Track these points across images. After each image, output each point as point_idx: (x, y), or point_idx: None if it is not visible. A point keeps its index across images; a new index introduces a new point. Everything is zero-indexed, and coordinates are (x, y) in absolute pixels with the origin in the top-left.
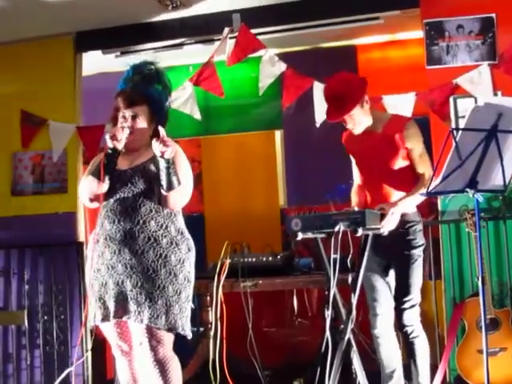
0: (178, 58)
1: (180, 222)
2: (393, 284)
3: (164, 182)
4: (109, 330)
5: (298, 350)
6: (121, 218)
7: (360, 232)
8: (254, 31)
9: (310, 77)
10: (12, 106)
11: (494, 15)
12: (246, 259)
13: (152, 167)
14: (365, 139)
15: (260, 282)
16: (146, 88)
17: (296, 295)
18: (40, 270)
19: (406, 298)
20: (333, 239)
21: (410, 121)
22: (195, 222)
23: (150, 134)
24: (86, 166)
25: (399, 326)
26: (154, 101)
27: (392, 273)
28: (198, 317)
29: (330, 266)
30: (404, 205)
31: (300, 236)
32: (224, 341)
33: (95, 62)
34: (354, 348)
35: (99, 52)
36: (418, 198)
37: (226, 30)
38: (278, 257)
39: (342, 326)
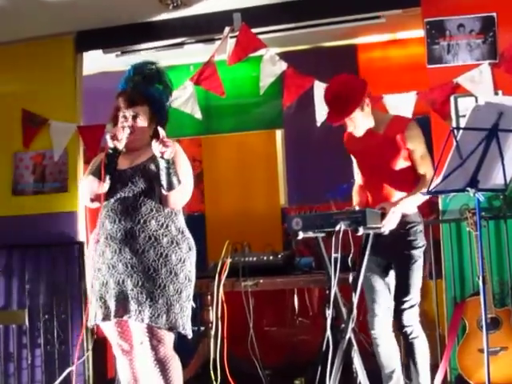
0: (178, 57)
1: (180, 221)
2: (392, 284)
3: (164, 182)
4: (109, 330)
5: (299, 349)
6: (121, 218)
7: (361, 231)
8: (254, 30)
9: (311, 76)
10: (13, 106)
11: (494, 14)
12: (246, 258)
13: (152, 166)
14: (366, 140)
15: (261, 281)
16: (147, 88)
17: (297, 294)
18: (41, 270)
19: (406, 299)
20: (333, 238)
21: (412, 122)
22: (196, 221)
23: (151, 134)
24: (86, 166)
25: (398, 326)
26: (154, 101)
27: (392, 273)
28: (199, 316)
29: (330, 265)
30: (405, 204)
31: (301, 235)
32: (225, 340)
33: (96, 62)
34: (355, 347)
35: (100, 51)
36: (419, 198)
37: (227, 29)
38: (279, 256)
39: (343, 326)
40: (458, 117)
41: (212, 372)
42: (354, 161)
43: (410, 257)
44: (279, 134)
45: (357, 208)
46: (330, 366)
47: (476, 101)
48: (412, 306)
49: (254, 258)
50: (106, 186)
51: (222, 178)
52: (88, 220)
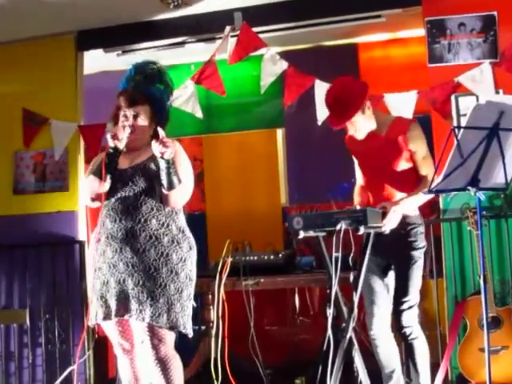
0: (179, 56)
1: (181, 220)
2: (392, 285)
3: (164, 182)
4: (110, 329)
5: (300, 348)
6: (122, 217)
7: (362, 230)
8: (255, 29)
9: (312, 75)
10: (13, 105)
11: (495, 13)
12: (247, 258)
13: (152, 166)
14: (368, 141)
15: (262, 280)
16: (148, 87)
17: (298, 294)
18: (41, 269)
19: (405, 299)
20: (334, 237)
21: (414, 123)
22: (197, 220)
23: (151, 134)
24: (87, 165)
25: (398, 327)
26: (155, 100)
27: (391, 274)
28: (200, 315)
29: (331, 264)
30: (406, 204)
31: (302, 234)
32: (226, 339)
33: (97, 61)
34: (356, 346)
35: (100, 51)
36: (420, 198)
37: (228, 28)
38: (280, 255)
39: (344, 325)
40: (458, 116)
41: (213, 371)
42: (356, 162)
43: (410, 257)
44: (280, 133)
45: (358, 207)
46: (330, 365)
47: (477, 100)
48: (411, 307)
49: (255, 257)
50: (106, 185)
51: (223, 177)
52: (89, 219)
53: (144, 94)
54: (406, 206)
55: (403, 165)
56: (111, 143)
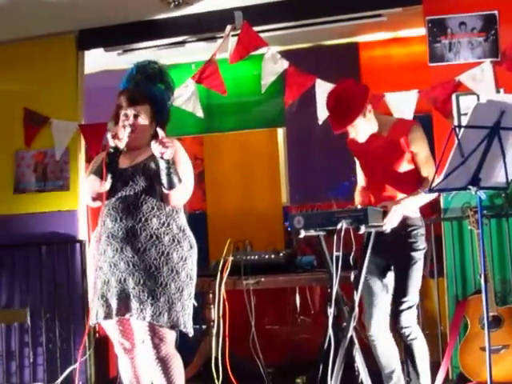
0: (180, 55)
1: (182, 219)
2: (391, 286)
3: (165, 182)
4: (111, 328)
5: (301, 347)
6: (123, 216)
7: (362, 229)
8: (256, 29)
9: (313, 74)
10: (14, 105)
11: (496, 12)
12: (248, 257)
13: (152, 165)
14: (370, 142)
15: (262, 279)
16: (149, 87)
17: (298, 293)
18: (42, 268)
19: (404, 299)
20: (335, 237)
21: (416, 124)
22: (198, 219)
23: (152, 133)
24: (88, 164)
25: (397, 327)
26: (156, 100)
27: (390, 274)
28: (201, 315)
29: (332, 263)
30: (407, 203)
31: (302, 234)
32: (226, 339)
33: (97, 60)
34: (357, 346)
35: (101, 50)
36: (421, 198)
37: (228, 27)
38: (281, 254)
39: (345, 324)
40: (459, 115)
41: (214, 370)
42: (357, 163)
43: (410, 258)
44: (281, 132)
45: (359, 207)
46: (331, 364)
47: (478, 99)
48: (410, 307)
49: (256, 257)
50: (107, 184)
51: (224, 177)
52: (89, 218)
53: (145, 94)
54: (407, 206)
55: (405, 166)
56: (112, 143)
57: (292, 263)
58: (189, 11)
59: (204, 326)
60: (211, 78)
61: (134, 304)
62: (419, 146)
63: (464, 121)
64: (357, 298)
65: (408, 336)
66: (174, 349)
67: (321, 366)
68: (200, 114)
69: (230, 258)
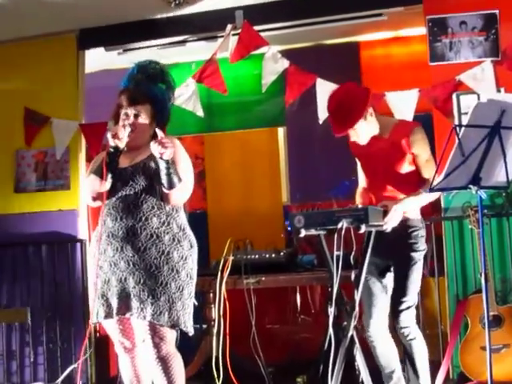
0: (180, 55)
1: (182, 218)
2: (390, 286)
3: (164, 182)
4: (111, 327)
5: (301, 346)
6: (123, 215)
7: (363, 229)
8: (256, 28)
9: (313, 73)
10: (15, 104)
11: (497, 11)
12: (249, 256)
13: (152, 164)
14: (371, 145)
15: (263, 278)
16: (150, 87)
17: (299, 292)
18: (43, 268)
19: (403, 299)
20: (336, 236)
21: (417, 126)
22: (198, 219)
23: (152, 133)
24: (88, 164)
25: (396, 327)
26: (157, 100)
27: (390, 275)
28: (201, 314)
29: (333, 262)
30: (407, 203)
31: (303, 233)
32: (227, 338)
33: (98, 60)
34: (357, 345)
35: (102, 49)
36: (422, 199)
37: (229, 26)
38: (281, 254)
39: (345, 323)
40: (460, 114)
41: (214, 370)
42: (359, 163)
43: (410, 258)
44: (281, 131)
45: (359, 206)
46: (332, 363)
47: (478, 98)
48: (409, 307)
49: (257, 256)
50: (107, 184)
51: (225, 176)
52: (90, 218)
53: (145, 93)
54: (408, 205)
55: (406, 167)
56: (112, 142)
57: (292, 262)
58: (189, 10)
59: (204, 326)
60: (212, 77)
61: (135, 303)
62: (420, 148)
63: (464, 120)
64: (357, 297)
65: (407, 336)
66: (174, 348)
67: (321, 366)
68: (200, 113)
69: (231, 258)
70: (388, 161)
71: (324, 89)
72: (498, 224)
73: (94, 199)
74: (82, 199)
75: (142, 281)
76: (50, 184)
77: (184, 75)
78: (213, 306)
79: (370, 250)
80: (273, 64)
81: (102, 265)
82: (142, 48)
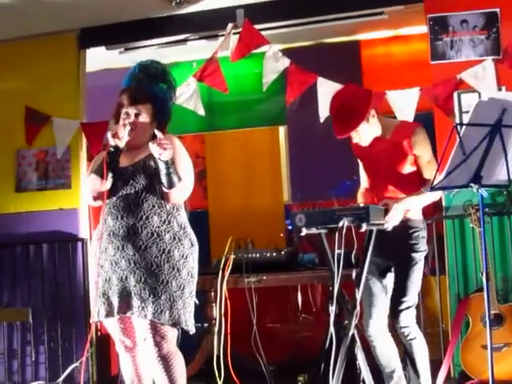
0: (181, 53)
1: (183, 217)
2: (390, 286)
3: (164, 181)
4: (112, 326)
5: (302, 345)
6: (124, 214)
7: (364, 227)
8: (257, 27)
9: (314, 72)
10: (16, 103)
11: (498, 10)
12: (250, 255)
13: (152, 163)
14: (373, 146)
15: (264, 277)
16: (151, 86)
17: (300, 291)
18: (44, 267)
19: (403, 299)
20: (337, 235)
21: (419, 127)
22: (199, 217)
23: (152, 133)
24: (89, 163)
25: (395, 327)
26: (157, 99)
27: (390, 275)
28: (203, 313)
29: (334, 261)
30: (408, 202)
31: (304, 232)
32: (228, 337)
33: (99, 59)
34: (358, 344)
35: (103, 48)
36: (423, 198)
37: (230, 25)
38: (282, 252)
39: (346, 322)
40: (461, 113)
41: (215, 369)
42: (361, 164)
43: (411, 258)
44: (282, 130)
45: (361, 205)
46: (333, 362)
47: (479, 97)
48: (409, 307)
49: (258, 255)
50: (108, 183)
51: (225, 175)
52: (91, 217)
53: (146, 93)
54: (409, 204)
55: (408, 168)
56: (112, 142)
57: (293, 261)
58: (190, 9)
59: (206, 324)
60: (213, 76)
61: (136, 302)
62: (422, 149)
63: (466, 119)
64: (358, 295)
65: (407, 336)
66: (175, 347)
67: (322, 364)
68: (201, 112)
69: (232, 256)
70: (390, 162)
71: (325, 88)
72: (499, 223)
73: (95, 199)
74: (82, 198)
75: (142, 279)
76: (50, 183)
77: (185, 74)
78: (214, 304)
79: (371, 249)
80: (274, 63)
81: (102, 264)
82: (143, 47)
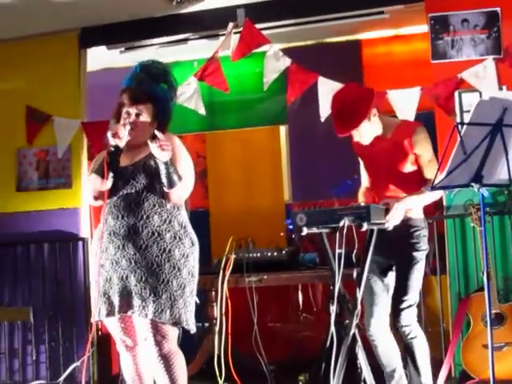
0: (182, 53)
1: (183, 216)
2: (392, 285)
3: (165, 181)
4: (113, 325)
5: (303, 345)
6: (124, 214)
7: (365, 227)
8: (258, 26)
9: (315, 72)
10: (17, 103)
11: (498, 9)
12: (250, 254)
13: (152, 162)
14: (374, 145)
15: (265, 277)
16: (152, 86)
17: (301, 290)
18: (45, 266)
19: (404, 298)
20: (338, 234)
21: (419, 126)
22: (200, 217)
23: (152, 132)
24: (90, 162)
25: (397, 326)
26: (158, 99)
27: (391, 274)
28: (203, 312)
29: (334, 260)
30: (409, 201)
31: (305, 231)
32: (229, 336)
33: (100, 58)
34: (359, 343)
35: (104, 48)
36: (423, 198)
37: (231, 25)
38: (283, 252)
39: (347, 322)
40: (462, 112)
41: (216, 368)
42: (361, 163)
43: (412, 257)
44: (283, 129)
45: (361, 204)
46: (334, 361)
47: (480, 96)
48: (410, 306)
49: (258, 254)
50: (108, 183)
51: (226, 174)
52: (92, 216)
53: (147, 93)
54: (409, 204)
55: (409, 167)
56: (112, 141)
57: (294, 261)
58: (191, 9)
59: (207, 324)
60: (213, 75)
61: (136, 301)
62: (423, 148)
63: (467, 118)
64: (359, 295)
65: (408, 334)
66: (176, 346)
67: (323, 364)
68: (202, 111)
69: (233, 256)
70: (391, 161)
71: (326, 87)
72: (500, 222)
73: (96, 198)
74: (83, 197)
75: (143, 279)
76: (51, 182)
77: (186, 73)
78: (215, 304)
79: (371, 248)
80: (274, 62)
81: (103, 263)
82: (144, 46)
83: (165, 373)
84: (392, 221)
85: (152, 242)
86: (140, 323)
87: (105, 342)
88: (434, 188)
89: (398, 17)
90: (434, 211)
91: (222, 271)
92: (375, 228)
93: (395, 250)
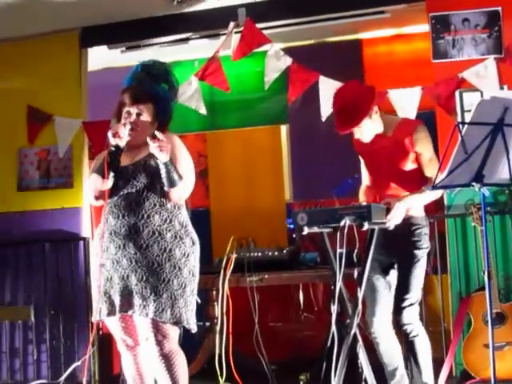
0: (183, 52)
1: (184, 215)
2: (394, 283)
3: (165, 181)
4: (114, 325)
5: (304, 344)
6: (125, 213)
7: (366, 226)
8: (259, 25)
9: (316, 71)
10: (18, 102)
11: (499, 9)
12: (251, 254)
13: (152, 162)
14: (375, 142)
15: (266, 276)
16: (152, 86)
17: (302, 290)
18: (46, 265)
19: (406, 296)
20: (339, 233)
21: (420, 125)
22: (201, 216)
23: (153, 132)
24: (91, 162)
25: (399, 324)
26: (159, 99)
27: (393, 272)
28: (204, 312)
29: (335, 260)
30: (410, 200)
31: (306, 230)
32: (230, 336)
33: (100, 57)
34: (360, 342)
35: (105, 47)
36: (424, 197)
37: (232, 24)
38: (284, 251)
39: (348, 321)
40: (463, 112)
41: (217, 367)
42: (362, 161)
43: (413, 255)
44: (284, 129)
45: (362, 203)
46: (335, 361)
47: (481, 96)
48: (412, 304)
49: (259, 254)
50: (109, 183)
51: (227, 174)
52: (93, 216)
53: (148, 93)
54: (410, 203)
55: (409, 165)
56: (112, 141)
57: (295, 260)
58: (192, 8)
59: (207, 323)
60: (214, 75)
61: (137, 300)
62: (423, 147)
63: (468, 117)
64: (360, 294)
65: (410, 333)
66: (177, 345)
67: (324, 363)
68: (203, 111)
69: (234, 255)
70: (391, 159)
71: (327, 86)
72: (501, 221)
73: (97, 198)
74: (85, 197)
75: (144, 278)
76: (52, 182)
77: (187, 73)
78: (216, 303)
79: (372, 248)
80: (275, 61)
81: (104, 262)
82: (145, 46)
83: (166, 372)
84: (393, 220)
85: (153, 242)
86: (141, 323)
87: (106, 342)
88: (434, 187)
89: (399, 16)
90: (435, 210)
91: (222, 270)
92: (376, 227)
93: (397, 248)
